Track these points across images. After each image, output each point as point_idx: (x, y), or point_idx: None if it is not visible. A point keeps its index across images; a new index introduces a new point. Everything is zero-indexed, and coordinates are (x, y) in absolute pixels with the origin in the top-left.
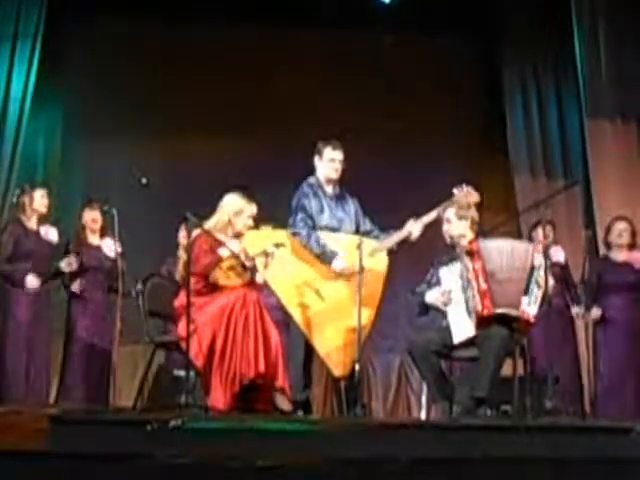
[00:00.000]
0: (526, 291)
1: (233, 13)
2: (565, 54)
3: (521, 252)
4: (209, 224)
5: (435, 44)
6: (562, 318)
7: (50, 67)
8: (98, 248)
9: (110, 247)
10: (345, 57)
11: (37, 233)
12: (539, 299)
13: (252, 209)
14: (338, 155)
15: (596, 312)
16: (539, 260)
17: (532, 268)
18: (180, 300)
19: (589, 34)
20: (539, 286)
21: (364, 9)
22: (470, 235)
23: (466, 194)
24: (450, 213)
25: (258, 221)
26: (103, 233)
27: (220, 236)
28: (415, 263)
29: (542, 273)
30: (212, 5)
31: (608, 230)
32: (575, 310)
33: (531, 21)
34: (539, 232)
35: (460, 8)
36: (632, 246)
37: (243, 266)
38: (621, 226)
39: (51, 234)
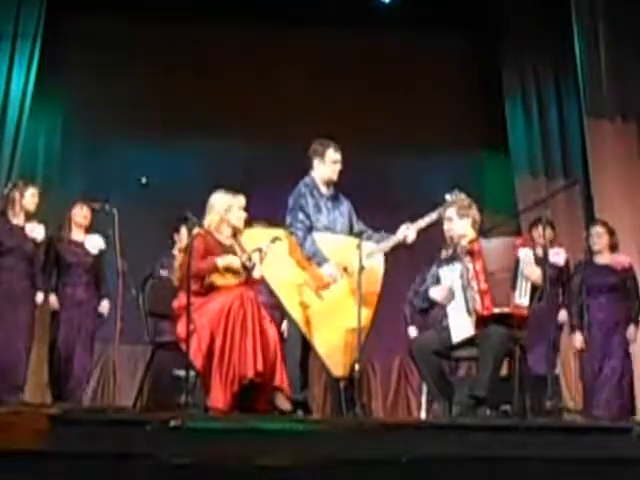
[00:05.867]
0: (514, 286)
1: (233, 13)
2: (565, 54)
3: (509, 249)
4: (204, 225)
5: (435, 44)
6: (553, 319)
7: (50, 67)
8: (81, 245)
9: (93, 244)
10: (345, 57)
11: (22, 229)
12: (528, 291)
13: (240, 201)
14: (339, 156)
15: (579, 341)
16: (524, 253)
17: (516, 262)
18: (179, 301)
19: (589, 34)
20: (525, 278)
21: (364, 9)
22: (471, 234)
23: (457, 197)
24: (451, 212)
25: (257, 221)
26: (88, 230)
27: (217, 236)
28: (415, 263)
29: (528, 266)
30: (212, 5)
31: (588, 234)
32: (562, 316)
33: (531, 21)
34: (539, 230)
35: (460, 8)
36: (612, 247)
37: (243, 265)
38: (593, 231)
39: (36, 231)
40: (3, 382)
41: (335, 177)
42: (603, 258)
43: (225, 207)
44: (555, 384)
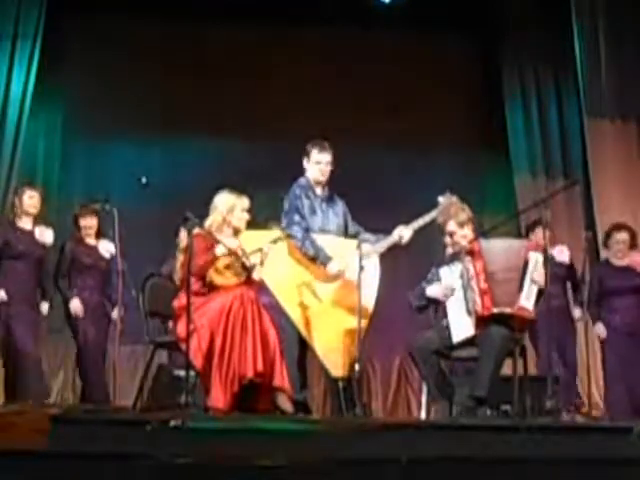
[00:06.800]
0: (520, 288)
1: (233, 13)
2: (565, 54)
3: (516, 250)
4: (205, 225)
5: (435, 44)
6: (563, 318)
7: (50, 67)
8: (94, 248)
9: (106, 248)
10: (345, 57)
11: (31, 234)
12: (534, 295)
13: (244, 203)
14: (325, 157)
15: (602, 330)
16: (533, 257)
17: (525, 264)
18: (179, 300)
19: (589, 34)
20: (534, 282)
21: (364, 9)
22: (471, 235)
23: (450, 199)
24: (452, 226)
25: (257, 221)
26: (99, 235)
27: (218, 236)
28: (415, 264)
29: (538, 270)
30: (212, 5)
31: (608, 237)
32: (577, 313)
33: (531, 21)
34: (536, 233)
35: (460, 8)
36: (633, 246)
37: (243, 265)
38: (619, 237)
39: (46, 236)
40: (23, 385)
41: (322, 178)
42: (621, 260)
43: (228, 207)
44: (555, 384)
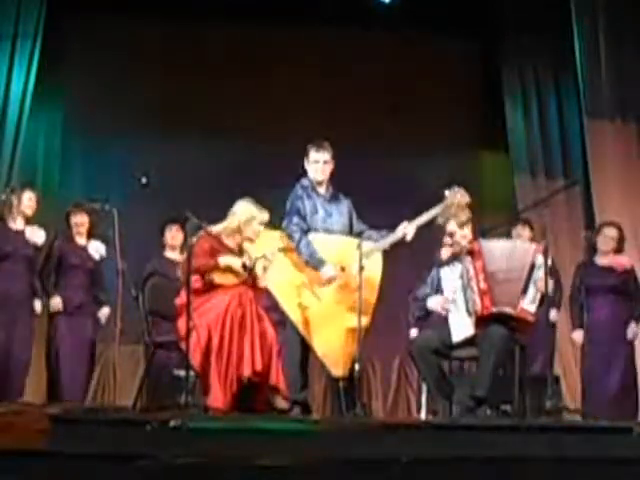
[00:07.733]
0: (524, 290)
1: (233, 13)
2: (565, 54)
3: (521, 252)
4: (217, 228)
5: (435, 44)
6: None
7: (50, 67)
8: (84, 249)
9: (96, 249)
10: (345, 57)
11: (22, 233)
12: (537, 299)
13: (263, 217)
14: (322, 156)
15: (578, 337)
16: (540, 260)
17: (532, 268)
18: (181, 299)
19: (589, 34)
20: (537, 286)
21: (364, 9)
22: (470, 235)
23: (456, 194)
24: (452, 226)
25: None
26: (90, 235)
27: (227, 241)
28: (415, 263)
29: (541, 274)
30: (212, 5)
31: (597, 232)
32: (552, 315)
33: (531, 21)
34: (516, 228)
35: (460, 8)
36: (618, 251)
37: (243, 265)
38: (608, 233)
39: (37, 236)
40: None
41: (319, 177)
42: (605, 259)
43: (247, 217)
44: (555, 384)
